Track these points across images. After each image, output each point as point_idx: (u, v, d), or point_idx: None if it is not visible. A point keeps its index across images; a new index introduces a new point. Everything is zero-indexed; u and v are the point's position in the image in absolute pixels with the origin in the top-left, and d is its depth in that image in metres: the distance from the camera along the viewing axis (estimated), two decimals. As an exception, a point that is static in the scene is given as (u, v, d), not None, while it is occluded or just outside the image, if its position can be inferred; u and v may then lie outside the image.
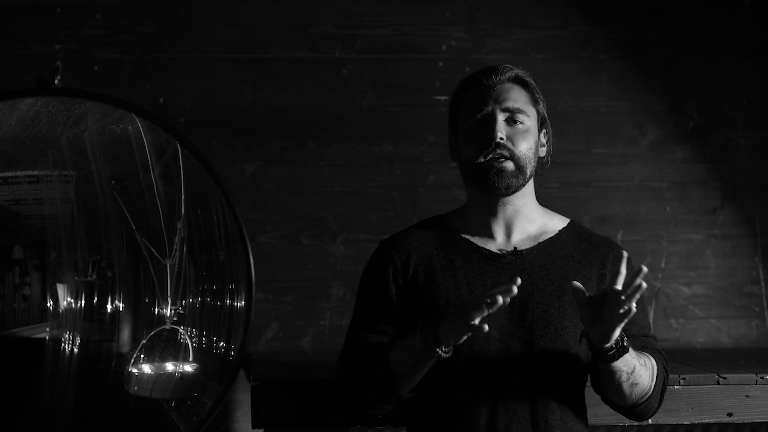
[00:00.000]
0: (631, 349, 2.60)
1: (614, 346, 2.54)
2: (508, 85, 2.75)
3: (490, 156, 2.69)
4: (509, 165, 2.70)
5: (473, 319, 2.44)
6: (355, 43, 4.07)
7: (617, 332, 2.51)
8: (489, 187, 2.71)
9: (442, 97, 4.07)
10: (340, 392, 2.82)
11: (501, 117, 2.71)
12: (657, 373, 2.72)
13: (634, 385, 2.66)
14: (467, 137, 2.75)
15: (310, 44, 4.06)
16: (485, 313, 2.43)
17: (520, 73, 2.77)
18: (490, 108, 2.72)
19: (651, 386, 2.71)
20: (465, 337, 2.50)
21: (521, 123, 2.72)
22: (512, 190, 2.72)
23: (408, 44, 4.09)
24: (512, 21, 4.13)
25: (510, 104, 2.72)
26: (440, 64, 4.10)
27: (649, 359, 2.71)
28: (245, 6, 4.04)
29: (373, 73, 4.08)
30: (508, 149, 2.69)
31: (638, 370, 2.64)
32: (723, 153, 4.22)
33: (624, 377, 2.63)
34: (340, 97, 4.07)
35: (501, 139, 2.69)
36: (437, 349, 2.53)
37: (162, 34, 3.99)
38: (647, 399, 2.72)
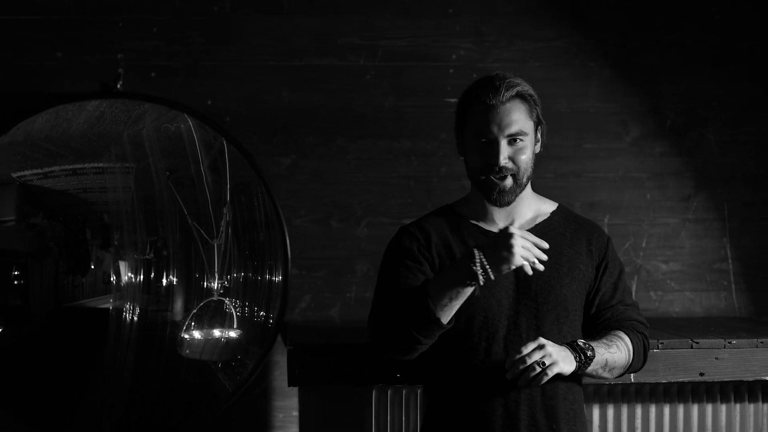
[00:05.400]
0: (597, 348, 2.64)
1: (580, 363, 2.60)
2: (509, 105, 2.69)
3: (492, 176, 2.70)
4: (509, 182, 2.70)
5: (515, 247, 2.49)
6: (377, 53, 4.07)
7: (567, 364, 2.57)
8: (491, 202, 2.75)
9: (453, 100, 4.03)
10: (375, 338, 2.72)
11: (504, 142, 2.69)
12: (633, 347, 2.74)
13: (612, 369, 2.72)
14: (473, 151, 2.74)
15: (338, 53, 4.05)
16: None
17: (519, 89, 2.71)
18: (493, 135, 2.68)
19: (629, 360, 2.74)
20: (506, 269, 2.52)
21: (521, 140, 2.71)
22: (513, 201, 2.75)
23: (423, 53, 4.07)
24: (513, 33, 4.10)
25: (512, 130, 2.68)
26: (451, 70, 4.09)
27: (622, 340, 2.73)
28: (282, 20, 4.01)
29: (393, 78, 4.07)
30: (509, 169, 2.70)
31: (611, 359, 2.68)
32: (696, 148, 4.21)
33: (600, 371, 2.70)
34: (363, 100, 4.06)
35: (504, 164, 2.69)
36: (481, 277, 2.52)
37: (210, 44, 3.98)
38: (629, 368, 2.78)
